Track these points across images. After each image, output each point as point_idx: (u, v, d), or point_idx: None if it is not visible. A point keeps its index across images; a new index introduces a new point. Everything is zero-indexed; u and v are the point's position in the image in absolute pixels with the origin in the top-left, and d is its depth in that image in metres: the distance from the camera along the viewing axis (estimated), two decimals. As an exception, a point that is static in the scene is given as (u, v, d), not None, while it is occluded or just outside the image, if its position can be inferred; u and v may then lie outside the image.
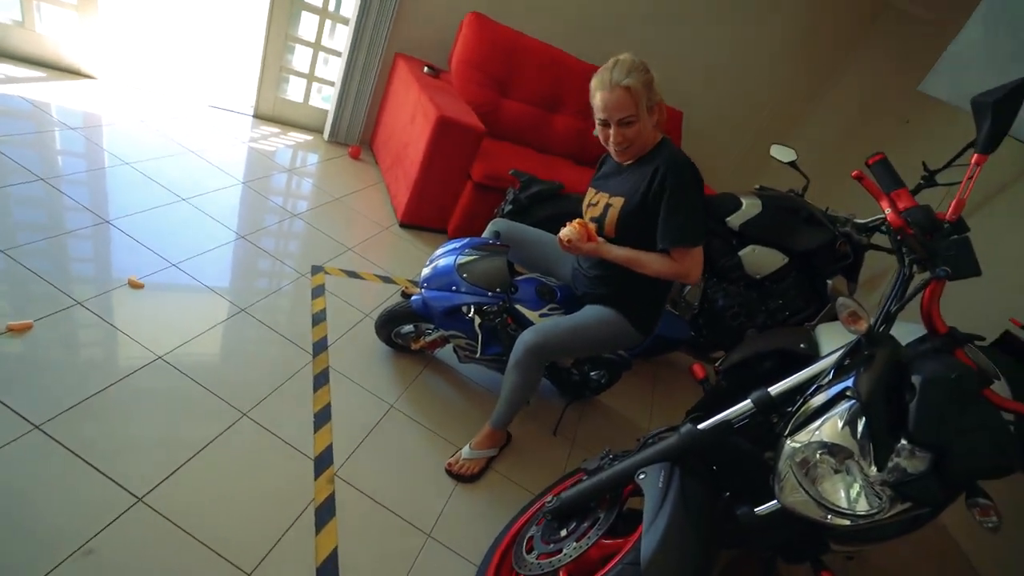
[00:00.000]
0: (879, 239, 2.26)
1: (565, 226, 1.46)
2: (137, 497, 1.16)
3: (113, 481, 1.17)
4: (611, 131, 1.39)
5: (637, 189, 1.41)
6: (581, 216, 1.54)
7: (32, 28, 2.38)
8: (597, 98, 1.37)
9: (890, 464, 0.83)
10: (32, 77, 2.38)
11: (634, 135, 1.37)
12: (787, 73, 3.91)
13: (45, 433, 1.19)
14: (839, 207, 2.40)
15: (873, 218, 2.22)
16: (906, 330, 1.13)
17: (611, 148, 1.44)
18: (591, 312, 1.55)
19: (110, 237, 1.78)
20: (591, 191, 1.59)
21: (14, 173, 1.83)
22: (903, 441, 0.83)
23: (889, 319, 0.93)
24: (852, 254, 2.21)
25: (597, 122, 1.42)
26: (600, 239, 1.48)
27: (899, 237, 0.93)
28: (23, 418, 1.19)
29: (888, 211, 0.94)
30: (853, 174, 0.99)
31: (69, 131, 2.18)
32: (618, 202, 1.45)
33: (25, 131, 2.06)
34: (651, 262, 1.42)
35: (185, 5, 4.21)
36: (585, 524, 1.15)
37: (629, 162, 1.47)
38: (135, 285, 1.64)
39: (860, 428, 0.85)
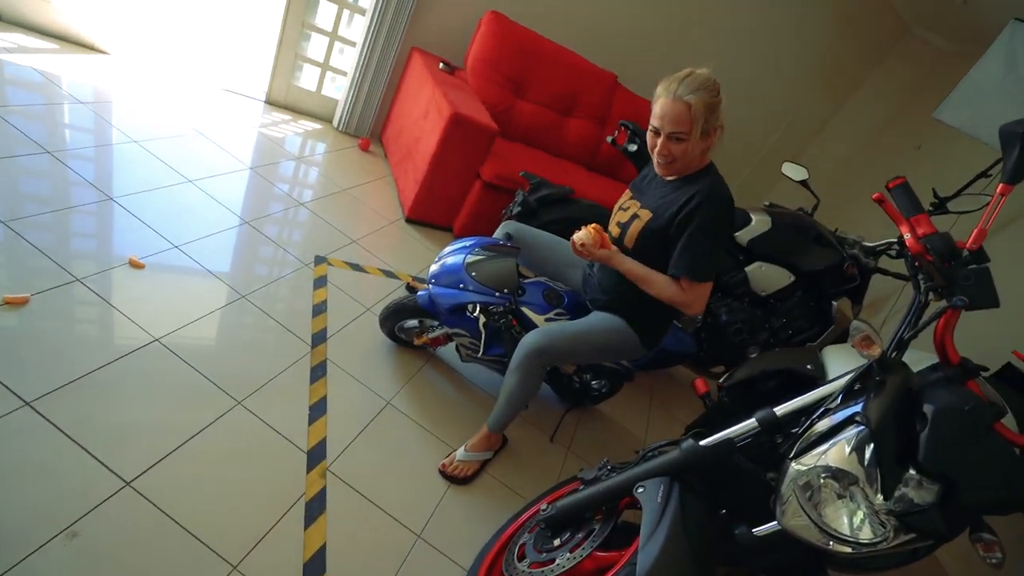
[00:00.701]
0: (886, 263, 2.25)
1: (580, 229, 1.43)
2: (125, 481, 1.14)
3: (102, 463, 1.15)
4: (659, 141, 1.34)
5: (668, 209, 1.36)
6: (588, 221, 1.52)
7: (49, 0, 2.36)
8: (657, 105, 1.31)
9: (896, 493, 0.81)
10: (45, 48, 2.36)
11: (680, 153, 1.32)
12: (803, 92, 3.91)
13: (35, 410, 1.17)
14: (848, 229, 2.39)
15: (881, 242, 2.21)
16: (916, 357, 1.12)
17: (654, 157, 1.39)
18: (598, 319, 1.53)
19: (113, 215, 1.76)
20: (627, 195, 1.55)
21: (21, 144, 1.81)
22: (911, 471, 0.81)
23: (902, 345, 0.91)
24: (859, 277, 2.20)
25: (650, 127, 1.36)
26: (614, 248, 1.45)
27: (917, 263, 0.92)
28: (14, 393, 1.17)
29: (907, 236, 0.93)
30: (874, 197, 0.98)
31: (78, 105, 2.16)
32: (646, 215, 1.41)
33: (34, 102, 2.04)
34: (659, 283, 1.39)
35: (202, -13, 4.18)
36: (580, 535, 1.14)
37: (671, 178, 1.42)
38: (136, 265, 1.62)
39: (868, 455, 0.83)
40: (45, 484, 1.07)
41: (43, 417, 1.16)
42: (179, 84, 2.70)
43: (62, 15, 2.41)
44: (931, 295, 0.91)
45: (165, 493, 1.16)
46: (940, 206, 2.22)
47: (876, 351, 0.88)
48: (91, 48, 2.53)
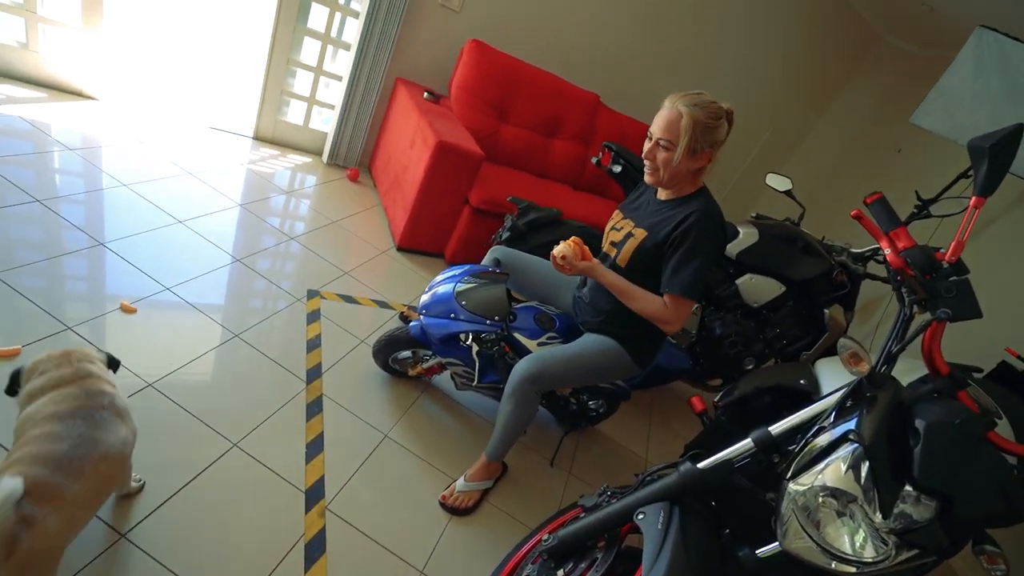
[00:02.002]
0: (874, 268, 2.28)
1: (559, 244, 1.44)
2: (120, 534, 1.13)
3: (97, 517, 1.13)
4: (648, 145, 1.36)
5: (664, 228, 1.38)
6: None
7: (35, 50, 2.39)
8: (659, 112, 1.35)
9: (895, 510, 0.81)
10: (34, 98, 2.38)
11: (664, 162, 1.33)
12: (783, 104, 3.99)
13: (28, 465, 1.15)
14: (834, 235, 2.42)
15: (868, 248, 2.24)
16: (909, 366, 1.12)
17: (646, 165, 1.40)
18: (590, 341, 1.54)
19: (104, 260, 1.76)
20: (618, 214, 1.56)
21: (11, 193, 1.82)
22: (908, 487, 0.81)
23: (890, 360, 0.92)
24: (849, 283, 2.22)
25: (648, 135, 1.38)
26: (595, 260, 1.46)
27: (899, 277, 0.93)
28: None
29: (888, 251, 0.95)
30: (852, 214, 0.99)
31: (68, 152, 2.18)
32: (640, 234, 1.42)
33: (24, 151, 2.06)
34: (640, 298, 1.40)
35: (188, 28, 4.26)
36: (583, 565, 1.12)
37: (665, 197, 1.44)
38: (127, 310, 1.62)
39: (864, 473, 0.83)
40: (38, 542, 1.05)
41: (35, 472, 1.15)
42: (167, 125, 2.73)
43: (50, 64, 2.45)
44: (916, 308, 0.93)
45: (161, 543, 1.15)
46: (923, 209, 2.25)
47: (865, 367, 0.89)
48: (80, 95, 2.56)
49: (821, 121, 4.21)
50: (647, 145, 1.36)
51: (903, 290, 0.94)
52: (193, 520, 1.22)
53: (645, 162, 1.39)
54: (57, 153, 2.14)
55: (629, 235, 1.45)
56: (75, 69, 2.50)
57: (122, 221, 1.95)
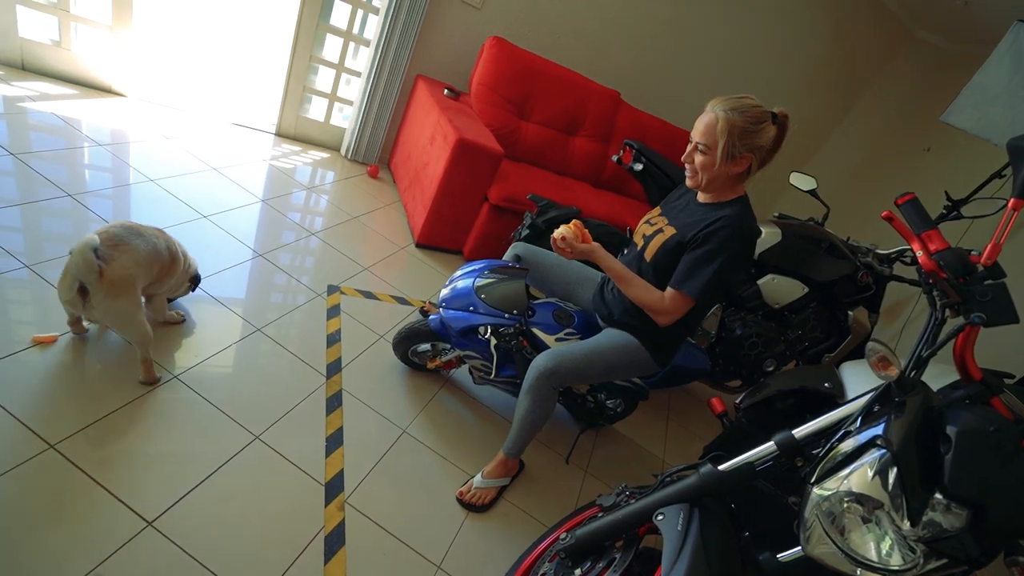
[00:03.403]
0: (901, 269, 2.23)
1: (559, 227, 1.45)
2: (147, 521, 1.16)
3: (125, 504, 1.16)
4: (688, 148, 1.36)
5: (691, 230, 1.36)
6: (601, 242, 1.52)
7: (68, 48, 2.46)
8: (700, 116, 1.34)
9: (924, 518, 0.79)
10: (66, 95, 2.45)
11: (701, 166, 1.32)
12: (807, 101, 3.91)
13: (60, 452, 1.19)
14: (859, 236, 2.37)
15: (895, 249, 2.18)
16: (938, 371, 1.09)
17: (686, 168, 1.40)
18: (608, 337, 1.53)
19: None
20: (657, 210, 1.55)
21: (44, 187, 1.88)
22: (938, 495, 0.79)
23: (920, 364, 0.90)
24: (874, 285, 2.17)
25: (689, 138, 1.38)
26: (596, 243, 1.46)
27: (931, 280, 0.91)
28: (39, 437, 1.20)
29: (919, 253, 0.92)
30: (883, 215, 0.97)
31: (97, 147, 2.23)
32: (669, 232, 1.42)
33: (57, 147, 2.12)
34: (638, 285, 1.40)
35: (213, 27, 4.33)
36: (601, 564, 1.12)
37: (704, 200, 1.42)
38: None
39: (892, 479, 0.81)
40: (70, 526, 1.09)
41: (67, 459, 1.19)
42: (192, 121, 2.78)
43: (81, 61, 2.51)
44: (948, 312, 0.90)
45: (186, 531, 1.17)
46: (954, 210, 2.19)
47: (894, 372, 0.87)
48: (109, 91, 2.63)
49: (848, 119, 4.12)
50: (688, 148, 1.36)
51: (934, 293, 0.92)
52: (216, 510, 1.24)
53: (685, 165, 1.39)
54: (87, 149, 2.20)
55: (660, 231, 1.45)
56: (105, 67, 2.56)
57: (148, 215, 2.00)
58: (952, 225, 2.19)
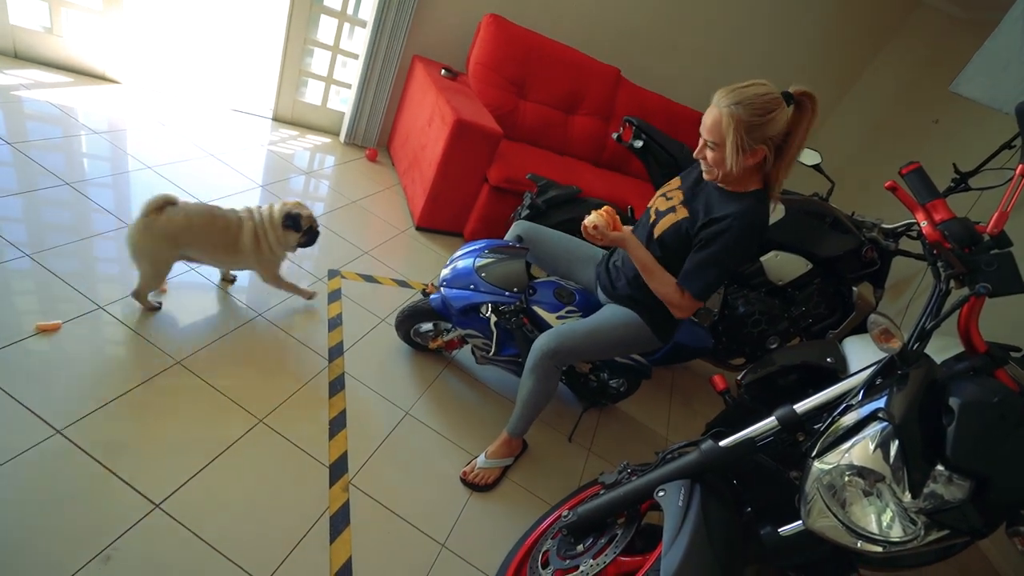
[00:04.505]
0: (907, 244, 2.19)
1: (590, 214, 1.42)
2: (155, 504, 1.17)
3: (132, 487, 1.18)
4: (700, 143, 1.32)
5: (701, 219, 1.34)
6: None
7: (60, 34, 2.43)
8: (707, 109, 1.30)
9: (926, 490, 0.79)
10: (60, 82, 2.43)
11: (713, 161, 1.28)
12: (812, 74, 3.82)
13: (67, 438, 1.20)
14: (865, 211, 2.34)
15: (901, 223, 2.15)
16: (942, 344, 1.08)
17: (701, 163, 1.36)
18: (610, 314, 1.52)
19: (132, 241, 1.81)
20: (676, 181, 1.50)
21: (43, 177, 1.87)
22: (939, 467, 0.79)
23: (924, 337, 0.89)
24: (879, 260, 2.15)
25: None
26: (627, 230, 1.44)
27: (935, 251, 0.89)
28: (46, 423, 1.21)
29: (924, 224, 0.90)
30: (886, 185, 0.95)
31: (94, 135, 2.22)
32: (682, 213, 1.39)
33: (53, 135, 2.10)
34: (664, 281, 1.40)
35: (206, 10, 4.27)
36: (603, 540, 1.13)
37: (721, 184, 1.35)
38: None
39: (893, 452, 0.81)
40: (79, 509, 1.11)
41: (74, 444, 1.20)
42: (188, 107, 2.76)
43: (74, 48, 2.48)
44: (952, 283, 0.88)
45: (193, 513, 1.19)
46: (962, 182, 2.15)
47: (896, 344, 0.86)
48: (103, 78, 2.60)
49: (854, 91, 4.03)
50: (699, 144, 1.32)
51: (939, 264, 0.90)
52: (222, 492, 1.26)
53: (699, 160, 1.35)
54: (84, 137, 2.19)
55: (672, 209, 1.43)
56: (98, 53, 2.53)
57: (148, 203, 1.99)
58: (961, 198, 2.15)
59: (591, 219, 1.41)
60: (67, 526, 1.07)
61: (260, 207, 1.69)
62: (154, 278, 1.55)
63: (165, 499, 1.19)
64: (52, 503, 1.10)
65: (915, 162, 0.94)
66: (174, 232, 1.49)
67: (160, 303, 1.63)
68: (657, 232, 1.43)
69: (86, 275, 1.61)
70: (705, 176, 1.37)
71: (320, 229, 1.80)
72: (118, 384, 1.36)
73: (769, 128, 1.21)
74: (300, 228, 1.68)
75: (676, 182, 1.50)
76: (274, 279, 1.76)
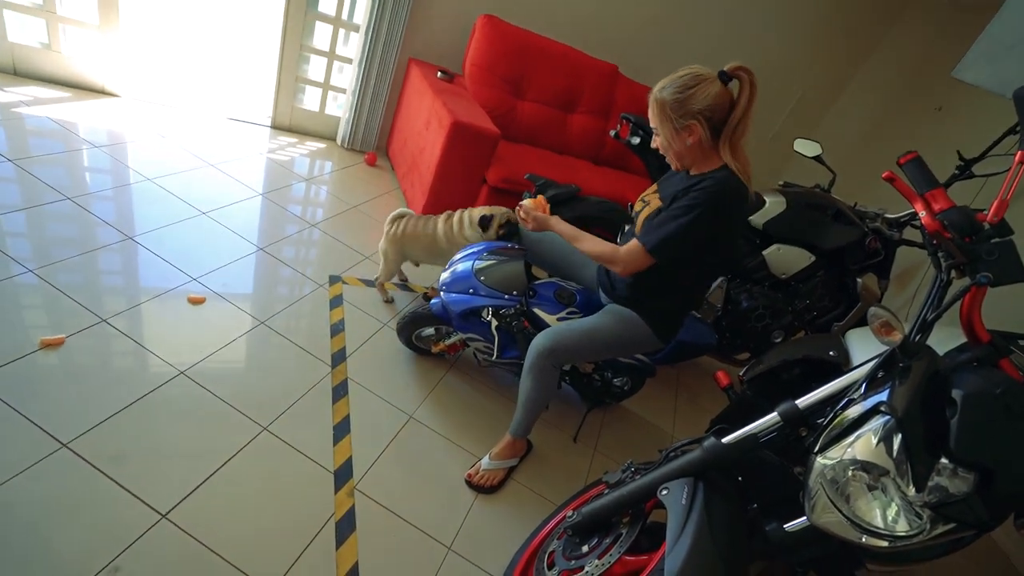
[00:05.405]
0: (911, 234, 2.17)
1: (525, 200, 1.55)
2: (161, 514, 1.18)
3: (138, 498, 1.19)
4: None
5: (671, 197, 1.35)
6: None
7: (58, 50, 2.45)
8: None
9: (930, 484, 0.78)
10: (59, 98, 2.45)
11: (663, 149, 1.35)
12: (812, 65, 3.79)
13: (72, 451, 1.21)
14: (868, 201, 2.31)
15: (904, 213, 2.13)
16: (947, 333, 1.07)
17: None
18: (609, 313, 1.51)
19: (133, 254, 1.82)
20: (653, 187, 1.53)
21: (45, 192, 1.89)
22: (943, 460, 0.78)
23: (925, 328, 0.87)
24: (883, 250, 2.13)
25: None
26: (554, 216, 1.53)
27: (935, 241, 0.88)
28: (52, 437, 1.22)
29: (923, 214, 0.89)
30: (884, 175, 0.94)
31: (95, 149, 2.24)
32: (655, 203, 1.40)
33: (55, 151, 2.12)
34: (587, 240, 1.43)
35: (202, 21, 4.29)
36: (607, 540, 1.13)
37: (687, 171, 1.38)
38: (196, 301, 1.73)
39: (896, 446, 0.80)
40: (87, 522, 1.11)
41: (81, 457, 1.21)
42: (188, 118, 2.77)
43: (73, 63, 2.50)
44: (953, 273, 0.87)
45: (199, 523, 1.20)
46: (966, 169, 2.12)
47: (897, 337, 0.85)
48: (102, 92, 2.62)
49: (855, 81, 3.99)
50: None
51: (939, 254, 0.89)
52: (228, 500, 1.26)
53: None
54: (85, 151, 2.21)
55: (646, 204, 1.45)
56: (96, 67, 2.55)
57: (149, 215, 2.00)
58: (966, 186, 2.12)
59: (524, 202, 1.54)
60: (75, 539, 1.08)
61: (460, 212, 1.94)
62: (386, 274, 2.02)
63: (171, 509, 1.20)
64: (59, 516, 1.11)
65: (913, 151, 0.93)
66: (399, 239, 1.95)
67: (392, 299, 2.09)
68: (637, 229, 1.43)
69: (89, 288, 1.62)
70: (672, 167, 1.42)
71: (324, 234, 1.82)
72: (122, 396, 1.37)
73: (692, 102, 1.24)
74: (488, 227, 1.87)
75: (652, 187, 1.53)
76: None
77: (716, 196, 1.26)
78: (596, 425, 2.01)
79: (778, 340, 2.21)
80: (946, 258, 0.87)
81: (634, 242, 1.34)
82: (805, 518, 0.93)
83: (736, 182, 1.28)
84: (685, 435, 2.17)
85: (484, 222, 1.86)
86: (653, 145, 1.38)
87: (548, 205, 1.58)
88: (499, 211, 1.88)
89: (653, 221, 1.35)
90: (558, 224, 1.49)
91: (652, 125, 1.33)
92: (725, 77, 1.26)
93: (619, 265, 1.38)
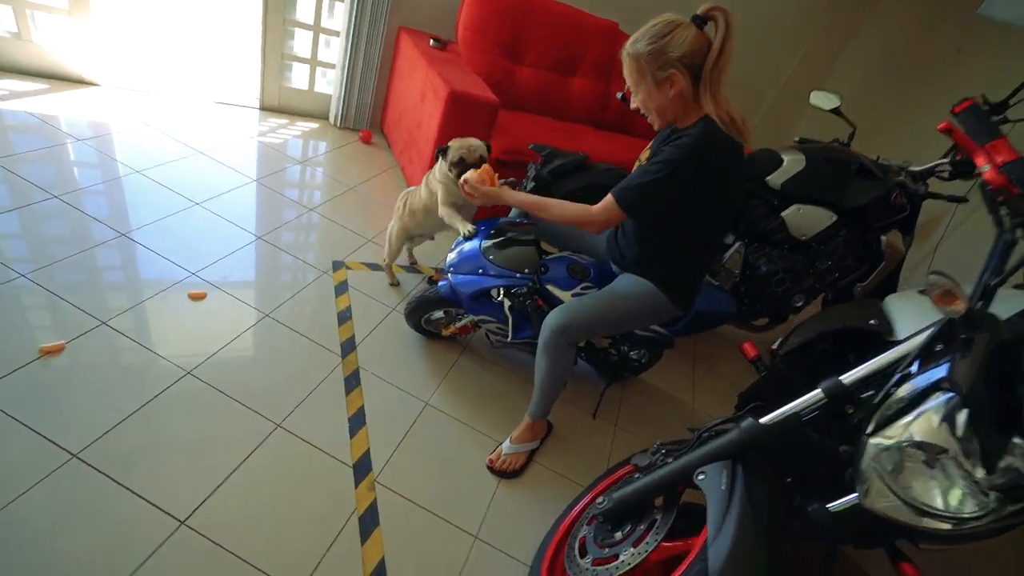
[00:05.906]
0: (936, 185, 2.07)
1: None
2: (180, 521, 1.14)
3: (155, 506, 1.15)
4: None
5: (654, 154, 1.29)
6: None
7: (29, 39, 2.32)
8: None
9: (1001, 464, 0.72)
10: (36, 90, 2.33)
11: (644, 106, 1.28)
12: (820, 12, 3.59)
13: (83, 461, 1.17)
14: (886, 152, 2.20)
15: (929, 164, 2.02)
16: (1006, 295, 0.99)
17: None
18: (623, 284, 1.44)
19: (127, 250, 1.75)
20: (647, 150, 1.49)
21: (31, 191, 1.81)
22: (1017, 439, 0.72)
23: (988, 295, 0.80)
24: (908, 206, 2.03)
25: None
26: (503, 186, 1.45)
27: (999, 198, 0.79)
28: (61, 448, 1.18)
29: (986, 167, 0.80)
30: (940, 127, 0.85)
31: (79, 143, 2.14)
32: (645, 160, 1.35)
33: (38, 147, 2.03)
34: (553, 206, 1.37)
35: (178, 1, 4.10)
36: (642, 527, 1.09)
37: (672, 126, 1.33)
38: (197, 296, 1.67)
39: (961, 424, 0.74)
40: (105, 534, 1.08)
41: (92, 468, 1.17)
42: (173, 104, 2.65)
43: (48, 53, 2.38)
44: (1019, 232, 0.79)
45: (220, 527, 1.16)
46: (994, 114, 2.00)
47: (960, 306, 0.77)
48: (81, 82, 2.50)
49: (865, 25, 3.79)
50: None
51: (1003, 212, 0.81)
52: (247, 502, 1.23)
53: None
54: (69, 145, 2.11)
55: (640, 162, 1.38)
56: (73, 56, 2.43)
57: (141, 209, 1.92)
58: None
59: (468, 174, 1.45)
60: (93, 551, 1.05)
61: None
62: (391, 254, 1.98)
63: (189, 515, 1.16)
64: (76, 529, 1.07)
65: (969, 98, 0.84)
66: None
67: (399, 282, 2.06)
68: None
69: (85, 290, 1.56)
70: (655, 126, 1.33)
71: (323, 218, 1.73)
72: (129, 401, 1.33)
73: (670, 50, 1.17)
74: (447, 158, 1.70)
75: (648, 150, 1.46)
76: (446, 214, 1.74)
77: (692, 150, 1.20)
78: (615, 400, 1.97)
79: (799, 304, 2.14)
80: (1012, 216, 0.79)
81: (608, 196, 1.29)
82: (851, 497, 0.88)
83: (717, 133, 1.21)
84: (705, 405, 2.13)
85: (440, 153, 1.72)
86: (633, 106, 1.30)
87: (496, 175, 1.47)
88: (455, 145, 1.68)
89: (635, 176, 1.28)
90: (512, 196, 1.42)
91: (629, 83, 1.26)
92: (700, 21, 1.18)
93: (595, 224, 1.33)
